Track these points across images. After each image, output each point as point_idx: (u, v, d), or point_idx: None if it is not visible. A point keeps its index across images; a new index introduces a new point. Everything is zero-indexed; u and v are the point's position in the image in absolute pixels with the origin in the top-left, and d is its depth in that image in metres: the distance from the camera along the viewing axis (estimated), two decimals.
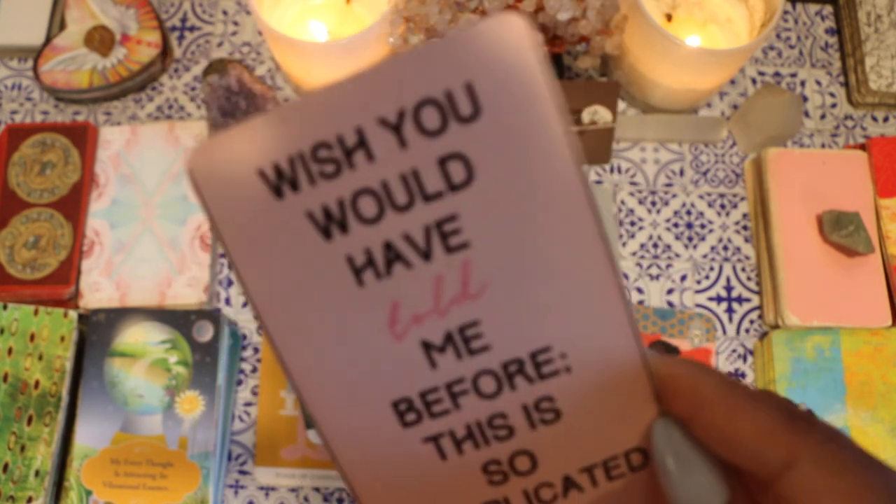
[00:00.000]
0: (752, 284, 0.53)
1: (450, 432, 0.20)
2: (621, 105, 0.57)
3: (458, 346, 0.19)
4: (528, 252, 0.18)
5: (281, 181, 0.17)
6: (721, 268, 0.54)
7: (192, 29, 0.59)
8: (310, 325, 0.19)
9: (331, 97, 0.17)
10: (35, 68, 0.55)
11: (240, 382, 0.51)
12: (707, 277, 0.53)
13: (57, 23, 0.58)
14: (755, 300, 0.53)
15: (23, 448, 0.45)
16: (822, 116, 0.58)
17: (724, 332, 0.52)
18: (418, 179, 0.17)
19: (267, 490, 0.49)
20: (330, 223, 0.18)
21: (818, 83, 0.58)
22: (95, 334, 0.48)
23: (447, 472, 0.21)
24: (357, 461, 0.20)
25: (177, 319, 0.48)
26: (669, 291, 0.53)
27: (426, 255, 0.18)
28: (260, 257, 0.18)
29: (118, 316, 0.48)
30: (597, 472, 0.21)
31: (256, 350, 0.51)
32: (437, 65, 0.17)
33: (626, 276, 0.53)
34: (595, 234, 0.18)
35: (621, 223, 0.54)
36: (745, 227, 0.55)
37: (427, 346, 0.19)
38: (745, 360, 0.52)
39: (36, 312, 0.48)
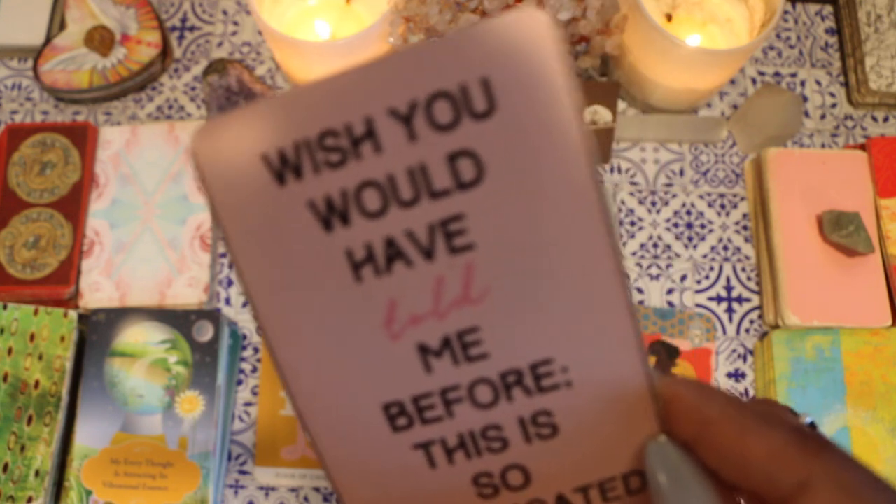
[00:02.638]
0: (752, 284, 0.53)
1: (441, 440, 0.19)
2: (621, 105, 0.57)
3: (455, 351, 0.18)
4: (535, 259, 0.17)
5: (284, 168, 0.17)
6: (721, 268, 0.54)
7: (192, 29, 0.59)
8: (303, 317, 0.18)
9: (341, 84, 0.16)
10: (35, 68, 0.55)
11: (240, 382, 0.51)
12: (707, 277, 0.53)
13: (57, 23, 0.58)
14: (755, 300, 0.53)
15: (23, 448, 0.45)
16: (822, 116, 0.58)
17: (724, 332, 0.52)
18: (426, 175, 0.17)
19: (267, 490, 0.49)
20: (331, 214, 0.17)
21: (818, 83, 0.58)
22: (95, 334, 0.48)
23: (436, 481, 0.20)
24: (343, 462, 0.20)
25: (177, 319, 0.48)
26: (669, 291, 0.53)
27: (428, 254, 0.17)
28: (258, 244, 0.17)
29: (118, 316, 0.48)
30: (592, 493, 0.20)
31: (256, 350, 0.51)
32: (454, 57, 0.16)
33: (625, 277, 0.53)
34: (607, 246, 0.17)
35: (621, 223, 0.54)
36: (745, 227, 0.55)
37: (423, 350, 0.18)
38: (745, 360, 0.52)
39: (36, 312, 0.48)
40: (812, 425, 0.20)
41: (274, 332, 0.18)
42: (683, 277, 0.53)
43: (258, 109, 0.17)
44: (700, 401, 0.18)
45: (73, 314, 0.48)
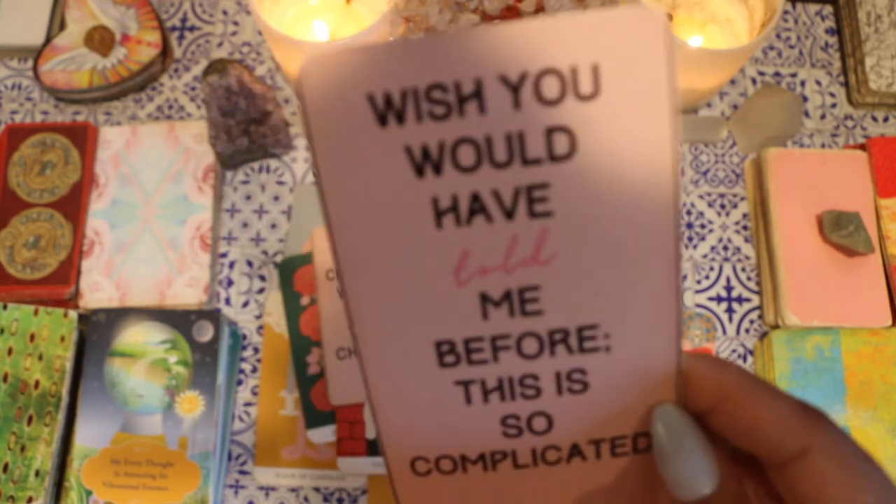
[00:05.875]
0: (752, 284, 0.53)
1: (482, 381, 0.21)
2: None
3: (513, 304, 0.20)
4: (605, 236, 0.19)
5: (388, 110, 0.17)
6: (721, 268, 0.54)
7: (192, 29, 0.59)
8: (378, 251, 0.19)
9: (458, 43, 0.17)
10: (35, 68, 0.55)
11: (240, 382, 0.51)
12: (707, 277, 0.53)
13: (57, 23, 0.58)
14: (755, 300, 0.53)
15: (23, 448, 0.45)
16: (822, 116, 0.58)
17: (724, 332, 0.52)
18: (522, 142, 0.18)
19: (267, 490, 0.49)
20: (426, 162, 0.18)
21: (818, 83, 0.58)
22: (95, 334, 0.48)
23: (468, 416, 0.21)
24: (385, 386, 0.21)
25: (177, 319, 0.48)
26: None
27: (509, 214, 0.18)
28: (347, 178, 0.18)
29: (118, 316, 0.48)
30: (603, 447, 0.22)
31: (256, 350, 0.51)
32: (570, 39, 0.17)
33: None
34: (673, 236, 0.19)
35: None
36: (745, 227, 0.55)
37: (484, 298, 0.19)
38: (745, 360, 0.52)
39: (36, 312, 0.48)
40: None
41: (346, 260, 0.19)
42: (683, 277, 0.53)
43: (372, 49, 0.17)
44: (718, 374, 0.20)
45: (73, 314, 0.48)
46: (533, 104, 0.17)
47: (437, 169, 0.18)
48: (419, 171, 0.18)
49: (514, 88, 0.17)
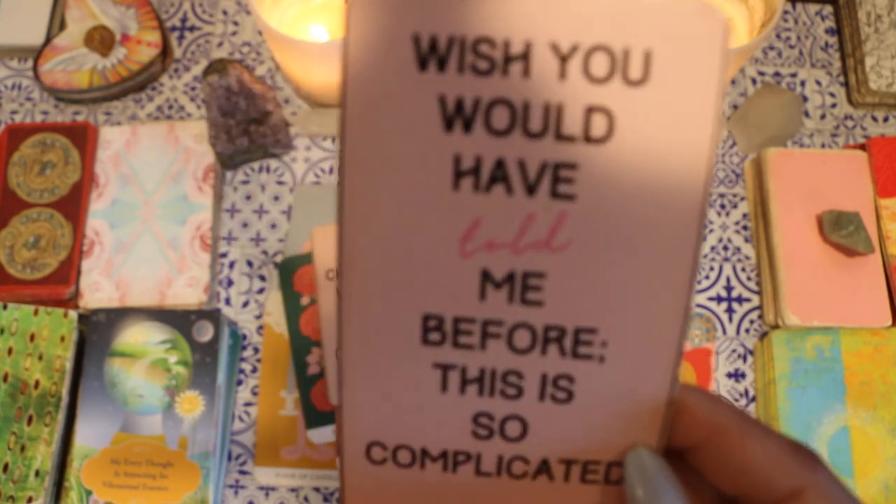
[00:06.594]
0: (752, 284, 0.53)
1: (463, 368, 0.19)
2: None
3: (514, 289, 0.18)
4: (623, 233, 0.18)
5: (431, 55, 0.17)
6: (721, 268, 0.54)
7: (192, 29, 0.59)
8: (387, 205, 0.18)
9: (516, 0, 0.16)
10: (35, 68, 0.55)
11: (240, 382, 0.51)
12: (707, 277, 0.53)
13: (57, 23, 0.58)
14: (755, 300, 0.53)
15: (23, 448, 0.45)
16: (822, 116, 0.58)
17: (724, 332, 0.52)
18: (560, 116, 0.17)
19: (267, 490, 0.49)
20: (457, 116, 0.17)
21: (818, 83, 0.58)
22: (95, 334, 0.48)
23: (440, 405, 0.20)
24: (361, 353, 0.19)
25: (177, 319, 0.48)
26: None
27: (531, 189, 0.18)
28: (373, 119, 0.17)
29: (118, 316, 0.48)
30: (574, 469, 0.20)
31: (256, 350, 0.51)
32: (629, 21, 0.16)
33: None
34: (693, 253, 0.18)
35: None
36: (745, 227, 0.55)
37: (486, 276, 0.18)
38: (745, 360, 0.52)
39: (36, 312, 0.48)
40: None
41: (352, 210, 0.18)
42: None
43: None
44: (709, 408, 0.19)
45: (73, 314, 0.48)
46: (578, 78, 0.17)
47: (468, 126, 0.17)
48: (448, 125, 0.17)
49: (563, 58, 0.16)
